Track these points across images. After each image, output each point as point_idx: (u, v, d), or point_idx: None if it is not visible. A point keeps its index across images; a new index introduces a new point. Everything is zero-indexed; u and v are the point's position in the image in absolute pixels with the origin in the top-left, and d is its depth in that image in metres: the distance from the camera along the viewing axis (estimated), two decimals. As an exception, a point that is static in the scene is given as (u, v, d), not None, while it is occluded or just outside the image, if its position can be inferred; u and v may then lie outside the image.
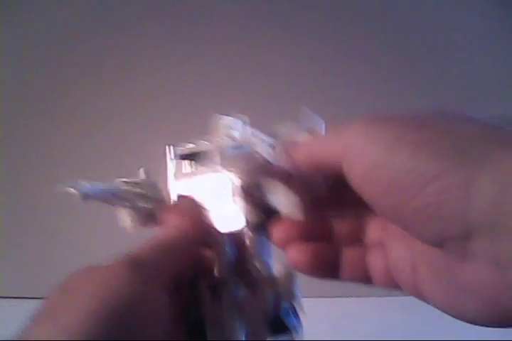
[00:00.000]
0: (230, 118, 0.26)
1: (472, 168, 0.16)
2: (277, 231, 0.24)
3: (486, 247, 0.16)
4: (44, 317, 0.18)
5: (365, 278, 0.23)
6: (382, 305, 0.56)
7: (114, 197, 0.23)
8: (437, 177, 0.16)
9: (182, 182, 0.26)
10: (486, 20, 0.71)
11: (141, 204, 0.24)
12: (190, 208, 0.26)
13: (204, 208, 0.25)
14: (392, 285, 0.22)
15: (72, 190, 0.21)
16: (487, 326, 0.18)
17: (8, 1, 0.68)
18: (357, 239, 0.24)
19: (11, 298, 0.65)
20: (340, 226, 0.25)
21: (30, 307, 0.18)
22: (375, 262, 0.23)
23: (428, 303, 0.20)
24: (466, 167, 0.16)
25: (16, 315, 0.22)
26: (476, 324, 0.18)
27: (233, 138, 0.25)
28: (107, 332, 0.18)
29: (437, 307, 0.19)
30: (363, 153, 0.19)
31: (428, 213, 0.17)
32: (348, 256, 0.24)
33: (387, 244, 0.22)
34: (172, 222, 0.25)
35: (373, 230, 0.24)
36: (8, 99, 0.66)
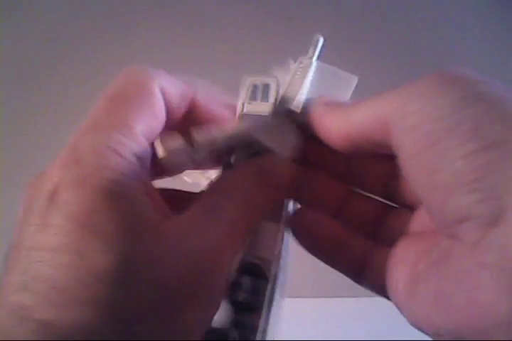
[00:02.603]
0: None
1: None
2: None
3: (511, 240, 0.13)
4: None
5: (358, 266, 0.21)
6: (382, 305, 0.56)
7: None
8: (496, 146, 0.14)
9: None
10: (485, 20, 0.71)
11: None
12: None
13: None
14: (378, 286, 0.20)
15: None
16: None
17: None
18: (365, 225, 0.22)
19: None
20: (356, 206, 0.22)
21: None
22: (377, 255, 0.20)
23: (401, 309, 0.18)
24: None
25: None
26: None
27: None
28: None
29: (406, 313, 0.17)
30: (425, 121, 0.16)
31: (469, 177, 0.14)
32: (352, 241, 0.21)
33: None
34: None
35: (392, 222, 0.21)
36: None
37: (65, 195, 0.16)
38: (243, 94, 0.23)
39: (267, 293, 0.21)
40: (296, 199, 0.23)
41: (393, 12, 0.72)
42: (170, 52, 0.69)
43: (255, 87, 0.23)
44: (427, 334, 0.17)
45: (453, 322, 0.15)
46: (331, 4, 0.71)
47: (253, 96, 0.23)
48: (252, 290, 0.21)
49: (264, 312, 0.21)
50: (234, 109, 0.22)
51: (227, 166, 0.22)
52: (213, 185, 0.20)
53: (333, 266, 0.22)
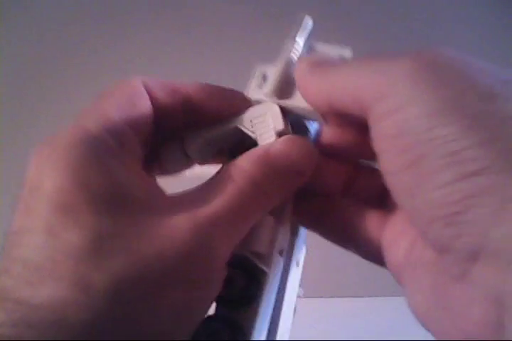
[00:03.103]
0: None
1: None
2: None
3: (492, 277, 0.13)
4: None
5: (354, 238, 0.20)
6: (382, 305, 0.56)
7: None
8: (477, 174, 0.13)
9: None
10: (486, 21, 0.71)
11: None
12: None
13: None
14: (377, 258, 0.19)
15: None
16: None
17: None
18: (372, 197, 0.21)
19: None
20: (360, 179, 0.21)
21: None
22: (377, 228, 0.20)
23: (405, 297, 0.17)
24: None
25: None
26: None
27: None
28: None
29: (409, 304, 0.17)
30: (402, 106, 0.15)
31: (447, 210, 0.14)
32: (351, 212, 0.21)
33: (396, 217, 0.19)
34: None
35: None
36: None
37: (41, 178, 0.16)
38: (253, 82, 0.22)
39: (265, 289, 0.20)
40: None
41: (393, 12, 0.72)
42: (170, 51, 0.69)
43: (264, 75, 0.22)
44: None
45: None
46: (331, 4, 0.71)
47: (259, 84, 0.22)
48: (245, 287, 0.20)
49: (260, 309, 0.20)
50: (234, 100, 0.22)
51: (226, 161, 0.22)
52: (214, 174, 0.20)
53: (349, 247, 0.21)
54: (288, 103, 0.21)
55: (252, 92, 0.22)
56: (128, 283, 0.15)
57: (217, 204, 0.17)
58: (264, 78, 0.22)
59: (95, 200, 0.16)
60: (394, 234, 0.19)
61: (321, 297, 0.54)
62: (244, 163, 0.19)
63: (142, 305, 0.15)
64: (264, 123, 0.21)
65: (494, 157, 0.13)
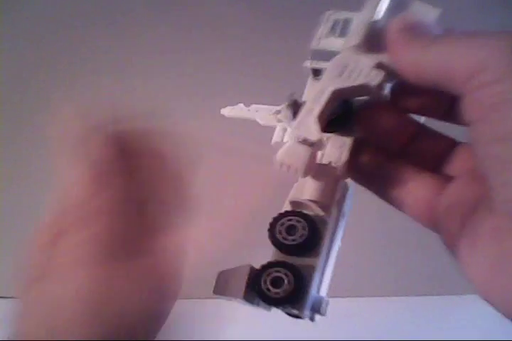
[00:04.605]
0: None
1: None
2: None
3: None
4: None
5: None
6: (382, 305, 0.56)
7: None
8: None
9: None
10: (485, 20, 0.71)
11: None
12: None
13: None
14: (429, 220, 0.20)
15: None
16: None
17: None
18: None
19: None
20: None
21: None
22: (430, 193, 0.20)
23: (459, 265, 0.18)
24: None
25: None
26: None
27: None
28: None
29: (468, 275, 0.17)
30: (503, 77, 0.15)
31: None
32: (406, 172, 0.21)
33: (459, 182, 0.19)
34: None
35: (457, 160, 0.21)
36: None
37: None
38: (321, 28, 0.22)
39: (324, 237, 0.20)
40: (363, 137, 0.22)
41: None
42: (170, 51, 0.69)
43: (336, 21, 0.22)
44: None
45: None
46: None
47: (332, 32, 0.21)
48: (307, 234, 0.20)
49: (320, 256, 0.20)
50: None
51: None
52: None
53: (395, 205, 0.22)
54: (375, 58, 0.20)
55: (326, 40, 0.21)
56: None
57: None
58: (342, 26, 0.21)
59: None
60: (451, 202, 0.19)
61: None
62: None
63: None
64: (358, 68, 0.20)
65: None
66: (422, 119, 0.22)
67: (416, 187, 0.21)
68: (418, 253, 0.55)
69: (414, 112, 0.22)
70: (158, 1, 0.72)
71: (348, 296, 0.58)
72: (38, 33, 0.69)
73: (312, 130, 0.20)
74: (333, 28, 0.22)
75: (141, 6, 0.71)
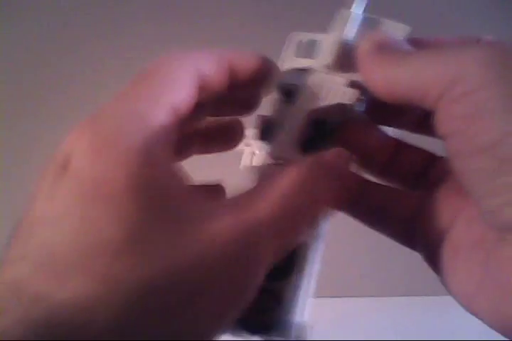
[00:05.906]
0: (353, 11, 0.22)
1: None
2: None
3: None
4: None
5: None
6: (382, 305, 0.56)
7: None
8: None
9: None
10: (485, 20, 0.71)
11: None
12: None
13: None
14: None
15: None
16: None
17: None
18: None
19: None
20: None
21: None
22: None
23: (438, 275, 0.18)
24: None
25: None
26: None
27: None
28: None
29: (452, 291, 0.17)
30: (478, 88, 0.15)
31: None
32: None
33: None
34: None
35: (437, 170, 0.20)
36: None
37: (77, 162, 0.14)
38: (287, 50, 0.22)
39: (305, 261, 0.20)
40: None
41: (391, 11, 0.72)
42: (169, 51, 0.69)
43: (300, 43, 0.22)
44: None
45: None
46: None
47: (297, 53, 0.21)
48: (287, 259, 0.19)
49: (301, 281, 0.20)
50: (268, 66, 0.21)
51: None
52: (263, 177, 0.19)
53: (379, 228, 0.21)
54: (347, 77, 0.20)
55: (292, 61, 0.21)
56: (162, 290, 0.13)
57: (264, 209, 0.16)
58: (300, 46, 0.21)
59: (141, 194, 0.14)
60: (428, 218, 0.19)
61: (321, 297, 0.54)
62: (296, 169, 0.18)
63: (176, 311, 0.14)
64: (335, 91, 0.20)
65: None
66: (390, 131, 0.22)
67: (394, 210, 0.20)
68: (418, 254, 0.55)
69: (388, 125, 0.21)
70: (158, 1, 0.72)
71: (347, 296, 0.59)
72: (38, 33, 0.69)
73: (290, 152, 0.20)
74: (298, 49, 0.22)
75: (141, 6, 0.71)
